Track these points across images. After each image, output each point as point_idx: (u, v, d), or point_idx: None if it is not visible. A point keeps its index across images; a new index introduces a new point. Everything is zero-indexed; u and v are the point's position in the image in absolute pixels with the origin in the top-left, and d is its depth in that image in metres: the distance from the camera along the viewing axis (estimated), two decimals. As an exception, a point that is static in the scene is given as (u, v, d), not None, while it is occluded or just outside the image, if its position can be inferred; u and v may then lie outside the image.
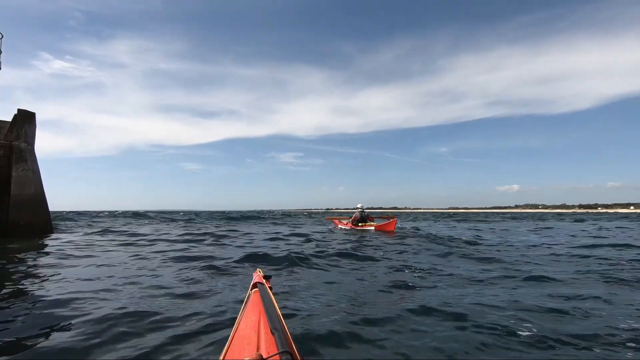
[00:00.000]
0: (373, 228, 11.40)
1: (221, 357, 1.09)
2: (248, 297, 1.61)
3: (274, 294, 1.57)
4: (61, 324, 2.39)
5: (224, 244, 7.80)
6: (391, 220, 11.23)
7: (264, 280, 1.77)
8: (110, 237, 9.54)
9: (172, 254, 5.90)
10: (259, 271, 1.94)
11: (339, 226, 13.75)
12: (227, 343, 1.18)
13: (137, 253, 6.14)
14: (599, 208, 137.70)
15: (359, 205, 12.25)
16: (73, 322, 2.41)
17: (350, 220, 12.64)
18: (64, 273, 4.18)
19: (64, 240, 8.07)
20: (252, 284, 1.77)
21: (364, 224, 11.87)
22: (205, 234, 10.39)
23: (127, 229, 12.42)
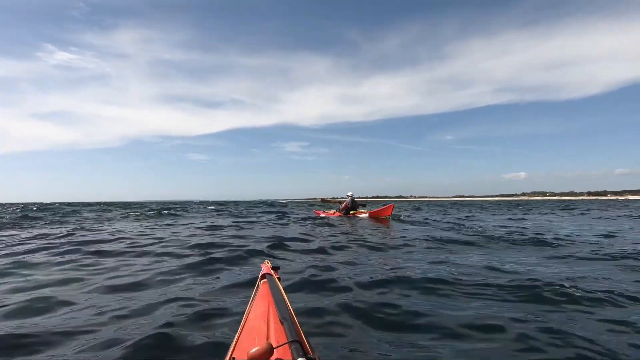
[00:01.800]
0: (367, 215, 10.78)
1: (231, 347, 1.10)
2: (257, 288, 1.64)
3: (282, 284, 1.59)
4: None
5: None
6: (387, 205, 10.56)
7: (272, 271, 1.79)
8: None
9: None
10: (268, 262, 1.98)
11: (322, 215, 12.84)
12: (237, 333, 1.20)
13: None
14: (609, 195, 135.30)
15: (349, 194, 11.77)
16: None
17: (339, 209, 11.95)
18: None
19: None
20: (260, 274, 1.80)
21: (355, 211, 11.36)
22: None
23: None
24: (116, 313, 2.32)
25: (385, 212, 10.48)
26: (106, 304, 2.54)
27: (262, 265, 1.97)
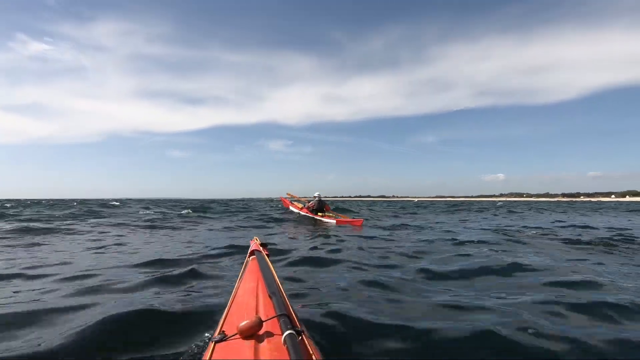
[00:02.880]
0: (334, 222, 10.15)
1: (221, 322, 1.12)
2: (246, 264, 1.70)
3: (270, 261, 1.63)
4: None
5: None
6: (356, 219, 10.26)
7: (261, 248, 1.86)
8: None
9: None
10: (256, 239, 2.05)
11: (291, 208, 12.87)
12: (227, 308, 1.22)
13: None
14: (582, 197, 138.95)
15: (316, 194, 11.53)
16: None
17: (306, 206, 11.75)
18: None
19: None
20: (249, 251, 1.86)
21: (322, 214, 11.06)
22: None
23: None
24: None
25: (355, 223, 9.90)
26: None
27: (250, 242, 2.05)
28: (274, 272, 1.44)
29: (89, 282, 2.93)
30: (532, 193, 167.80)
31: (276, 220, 11.24)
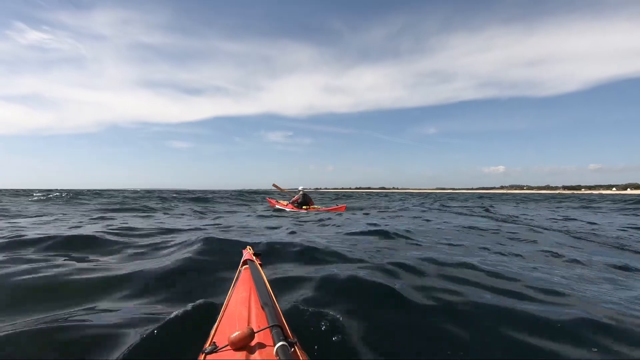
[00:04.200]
0: (321, 210, 10.70)
1: (212, 332, 1.10)
2: (238, 274, 1.67)
3: (264, 270, 1.61)
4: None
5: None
6: (340, 206, 10.86)
7: (254, 258, 1.82)
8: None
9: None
10: (249, 248, 2.00)
11: (277, 206, 12.68)
12: (218, 318, 1.21)
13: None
14: (582, 189, 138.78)
15: (300, 188, 11.75)
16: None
17: (291, 201, 11.80)
18: None
19: None
20: (242, 260, 1.82)
21: (307, 207, 11.29)
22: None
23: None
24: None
25: (339, 210, 10.60)
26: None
27: (243, 251, 2.01)
28: (266, 282, 1.43)
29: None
30: (532, 185, 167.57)
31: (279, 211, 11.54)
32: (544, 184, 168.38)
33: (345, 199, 22.52)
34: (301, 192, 11.56)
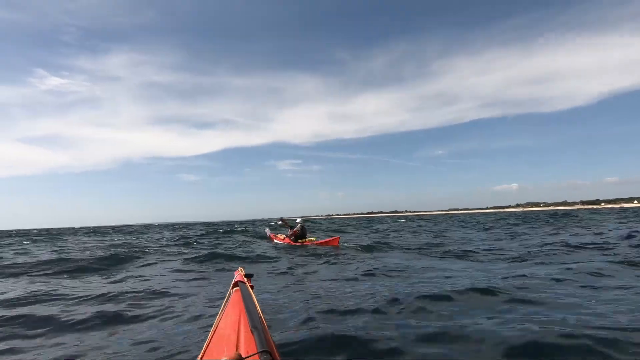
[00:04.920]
0: (314, 244, 10.35)
1: (199, 357, 1.08)
2: (229, 296, 1.61)
3: (255, 293, 1.56)
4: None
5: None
6: (334, 238, 10.26)
7: (245, 279, 1.76)
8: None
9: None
10: (241, 270, 1.93)
11: (275, 241, 12.63)
12: (206, 342, 1.17)
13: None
14: (602, 204, 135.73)
15: (298, 220, 11.26)
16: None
17: (288, 235, 11.48)
18: None
19: None
20: (233, 282, 1.75)
21: (304, 240, 10.74)
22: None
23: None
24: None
25: (332, 242, 10.05)
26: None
27: (235, 272, 1.92)
28: (257, 305, 1.35)
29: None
30: (549, 202, 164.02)
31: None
32: (560, 200, 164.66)
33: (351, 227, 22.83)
34: (299, 225, 11.04)
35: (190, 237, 14.98)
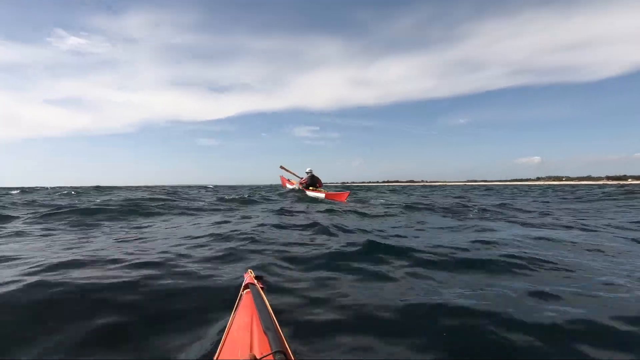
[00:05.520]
0: (323, 195, 10.85)
1: (214, 359, 1.09)
2: (240, 298, 1.58)
3: (266, 294, 1.54)
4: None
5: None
6: (343, 192, 10.66)
7: (255, 281, 1.71)
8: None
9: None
10: (250, 272, 1.88)
11: (287, 185, 14.10)
12: (220, 345, 1.17)
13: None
14: (629, 180, 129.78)
15: (308, 169, 12.22)
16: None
17: (299, 182, 12.78)
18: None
19: None
20: (243, 284, 1.72)
21: (314, 188, 11.62)
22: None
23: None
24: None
25: (340, 197, 10.50)
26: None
27: (244, 274, 1.88)
28: (269, 306, 1.32)
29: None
30: (572, 176, 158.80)
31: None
32: (584, 175, 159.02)
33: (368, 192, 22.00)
34: (309, 174, 12.03)
35: (253, 195, 14.31)
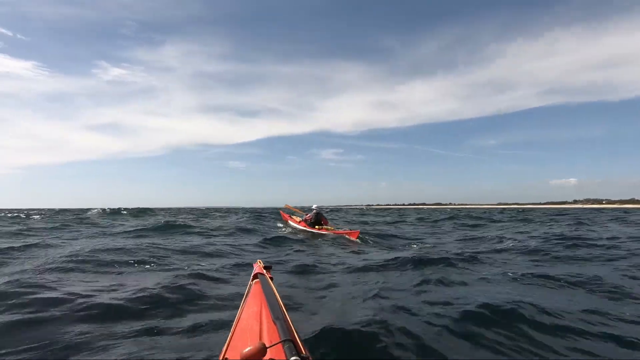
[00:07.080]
0: (330, 233, 10.06)
1: (224, 348, 1.13)
2: (249, 288, 1.67)
3: (275, 284, 1.58)
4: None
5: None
6: (353, 231, 9.76)
7: (264, 271, 1.81)
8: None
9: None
10: (260, 262, 1.98)
11: (290, 222, 12.97)
12: (230, 334, 1.23)
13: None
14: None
15: (314, 207, 11.60)
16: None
17: (303, 219, 11.87)
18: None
19: None
20: (252, 274, 1.82)
21: (319, 227, 10.84)
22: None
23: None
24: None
25: (350, 234, 9.70)
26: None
27: (254, 265, 1.99)
28: (277, 295, 1.40)
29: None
30: (613, 199, 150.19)
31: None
32: (627, 197, 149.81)
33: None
34: (314, 211, 11.34)
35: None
